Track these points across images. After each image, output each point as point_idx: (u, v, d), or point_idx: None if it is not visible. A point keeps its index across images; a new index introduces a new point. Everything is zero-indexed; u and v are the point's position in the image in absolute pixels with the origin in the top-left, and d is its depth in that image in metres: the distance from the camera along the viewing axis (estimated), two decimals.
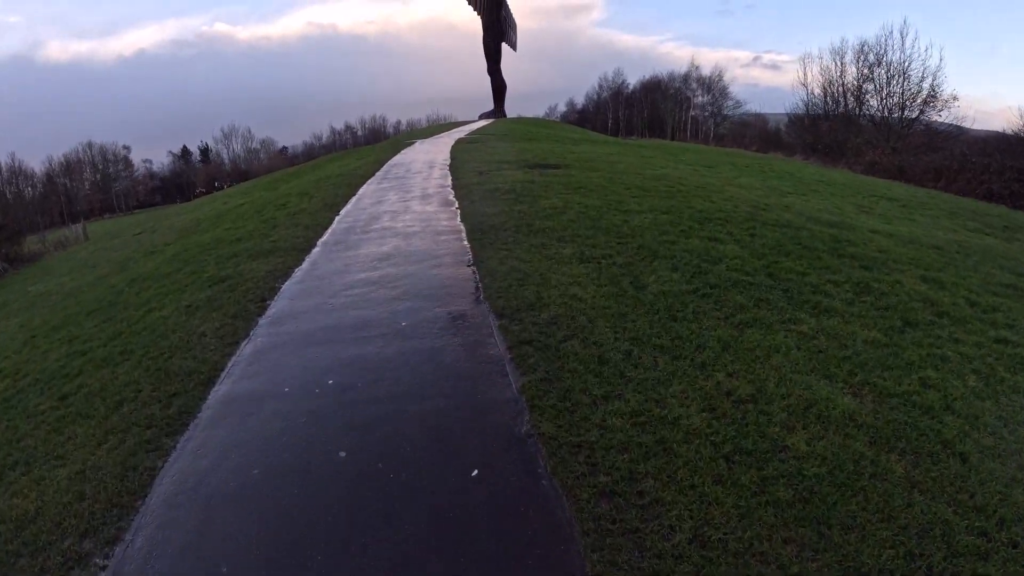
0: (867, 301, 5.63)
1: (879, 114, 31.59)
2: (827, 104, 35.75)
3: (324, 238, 8.61)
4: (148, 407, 4.47)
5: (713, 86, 57.18)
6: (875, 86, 31.89)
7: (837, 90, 34.97)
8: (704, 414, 3.82)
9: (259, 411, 4.15)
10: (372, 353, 4.77)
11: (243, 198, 21.45)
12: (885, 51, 32.42)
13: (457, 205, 9.91)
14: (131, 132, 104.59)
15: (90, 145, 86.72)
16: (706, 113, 57.29)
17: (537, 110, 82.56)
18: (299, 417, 4.00)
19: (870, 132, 30.80)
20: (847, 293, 5.80)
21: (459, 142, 22.54)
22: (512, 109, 41.55)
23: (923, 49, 42.93)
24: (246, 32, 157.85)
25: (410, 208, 10.12)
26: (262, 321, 5.71)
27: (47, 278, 14.69)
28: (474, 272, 6.46)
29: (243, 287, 6.76)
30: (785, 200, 12.22)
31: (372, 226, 9.06)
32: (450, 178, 12.99)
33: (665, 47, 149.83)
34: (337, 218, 9.99)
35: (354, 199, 11.63)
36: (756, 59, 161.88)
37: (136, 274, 9.98)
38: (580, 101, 75.69)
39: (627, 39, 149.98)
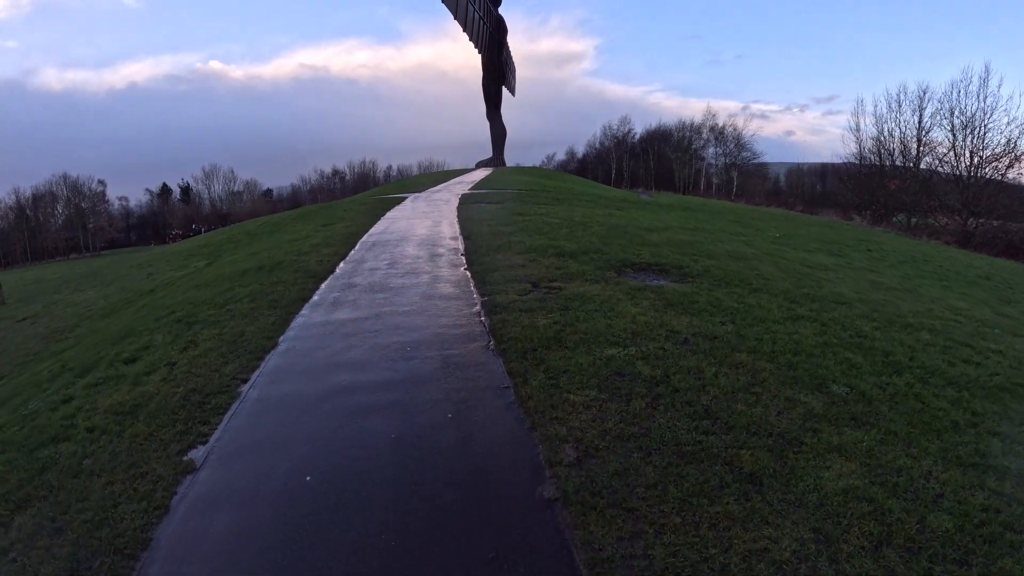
0: None
1: (951, 171, 25.95)
2: (882, 157, 30.26)
3: None
4: None
5: (727, 136, 51.77)
6: (952, 137, 26.34)
7: (895, 142, 29.49)
8: None
9: None
10: None
11: (177, 271, 15.03)
12: (959, 99, 27.02)
13: (549, 467, 3.19)
14: (114, 167, 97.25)
15: (64, 178, 78.06)
16: (719, 164, 51.74)
17: (527, 159, 77.64)
18: None
19: (945, 192, 25.11)
20: None
21: (465, 201, 16.07)
22: (507, 158, 35.53)
23: (1005, 98, 35.94)
24: (240, 71, 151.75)
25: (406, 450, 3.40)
26: None
27: None
28: None
29: None
30: None
31: None
32: (476, 296, 6.33)
33: (654, 97, 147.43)
34: (190, 486, 3.22)
35: (268, 364, 4.86)
36: (744, 108, 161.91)
37: None
38: (579, 150, 70.67)
39: (616, 89, 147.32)
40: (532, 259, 7.81)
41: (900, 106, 30.48)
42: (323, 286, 7.25)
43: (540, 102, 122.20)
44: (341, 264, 8.51)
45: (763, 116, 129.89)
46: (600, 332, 4.92)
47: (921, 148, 28.50)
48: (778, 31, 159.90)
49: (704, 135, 52.77)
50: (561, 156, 72.97)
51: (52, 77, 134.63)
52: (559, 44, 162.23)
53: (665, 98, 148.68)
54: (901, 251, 14.71)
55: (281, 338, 5.46)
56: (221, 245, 18.15)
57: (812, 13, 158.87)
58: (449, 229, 11.22)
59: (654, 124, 60.41)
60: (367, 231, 11.55)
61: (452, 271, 7.65)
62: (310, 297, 6.73)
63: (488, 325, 5.32)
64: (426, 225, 12.00)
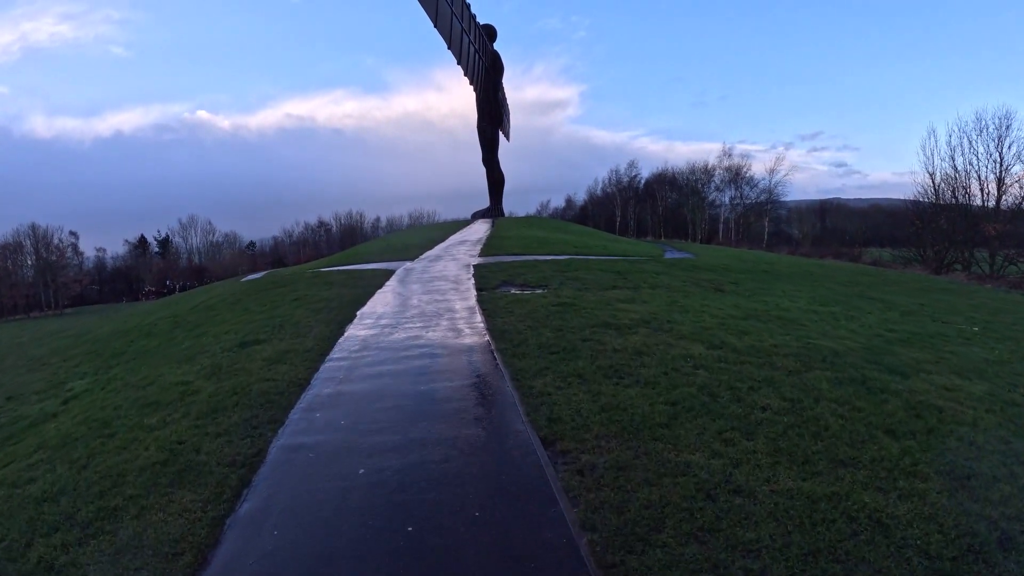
0: None
1: None
2: (958, 196, 25.26)
3: None
4: None
5: (742, 177, 46.12)
6: None
7: (972, 178, 24.37)
8: None
9: None
10: None
11: (37, 402, 9.02)
12: None
13: None
14: (97, 216, 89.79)
15: (33, 228, 68.85)
16: (738, 209, 45.97)
17: (519, 207, 72.72)
18: None
19: None
20: None
21: (484, 282, 9.98)
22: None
23: None
24: (226, 121, 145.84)
25: None
26: None
27: None
28: None
29: None
30: None
31: None
32: None
33: (639, 142, 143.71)
34: None
35: None
36: (729, 149, 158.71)
37: None
38: (579, 196, 65.77)
39: (602, 135, 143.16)
40: None
41: (981, 134, 25.66)
42: None
43: (527, 149, 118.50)
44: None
45: (747, 156, 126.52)
46: None
47: (1003, 184, 23.70)
48: (761, 69, 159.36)
49: (717, 178, 47.06)
50: (556, 203, 68.10)
51: (40, 124, 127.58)
52: (544, 92, 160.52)
53: (650, 142, 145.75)
54: None
55: None
56: (135, 341, 11.83)
57: (794, 50, 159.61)
58: (481, 382, 5.03)
59: (659, 167, 55.57)
60: (309, 380, 5.28)
61: None
62: None
63: None
64: (428, 360, 5.79)
